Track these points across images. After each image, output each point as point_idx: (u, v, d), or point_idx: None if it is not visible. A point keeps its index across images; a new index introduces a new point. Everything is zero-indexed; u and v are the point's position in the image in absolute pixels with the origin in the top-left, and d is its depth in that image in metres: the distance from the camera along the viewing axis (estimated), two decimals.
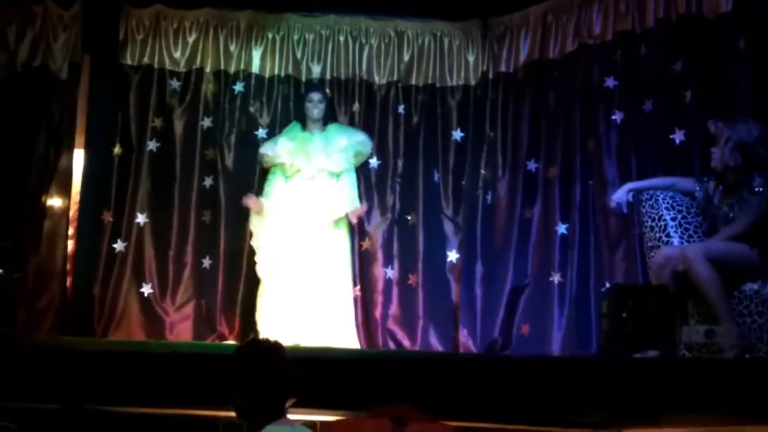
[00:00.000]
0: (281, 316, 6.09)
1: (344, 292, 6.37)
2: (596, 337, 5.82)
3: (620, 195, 5.24)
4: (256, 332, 6.18)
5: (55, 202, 6.58)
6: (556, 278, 6.25)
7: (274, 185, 6.41)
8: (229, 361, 2.98)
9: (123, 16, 6.90)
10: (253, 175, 6.72)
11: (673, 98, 5.71)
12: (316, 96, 6.54)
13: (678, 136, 5.65)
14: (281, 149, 6.42)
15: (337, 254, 6.36)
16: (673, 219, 5.03)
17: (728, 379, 4.08)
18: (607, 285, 5.82)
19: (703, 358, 4.51)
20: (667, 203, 5.07)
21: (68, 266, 6.51)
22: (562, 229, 6.28)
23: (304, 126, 6.57)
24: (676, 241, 4.98)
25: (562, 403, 4.25)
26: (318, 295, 6.17)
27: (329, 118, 6.70)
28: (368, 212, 6.73)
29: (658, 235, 5.04)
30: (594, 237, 6.08)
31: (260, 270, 6.31)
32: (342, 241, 6.43)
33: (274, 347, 3.03)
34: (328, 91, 6.88)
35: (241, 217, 6.64)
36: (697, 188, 5.07)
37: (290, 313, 6.09)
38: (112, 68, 6.83)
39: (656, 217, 5.07)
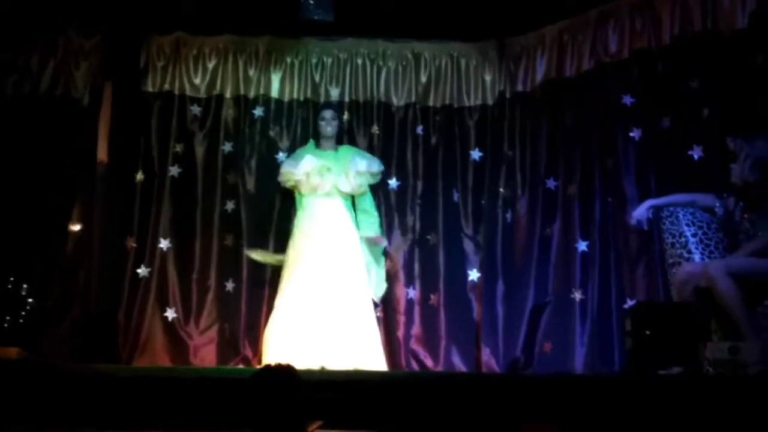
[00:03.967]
0: (298, 339, 6.02)
1: (367, 312, 6.35)
2: (619, 354, 5.82)
3: (640, 212, 5.25)
4: (260, 354, 6.18)
5: (78, 228, 6.62)
6: (577, 296, 6.26)
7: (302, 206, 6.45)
8: (246, 387, 3.02)
9: (144, 43, 6.98)
10: (274, 199, 6.77)
11: (690, 115, 5.72)
12: (328, 113, 6.59)
13: (696, 153, 5.67)
14: (309, 165, 6.44)
15: (356, 274, 6.36)
16: (694, 235, 5.03)
17: (753, 395, 4.07)
18: (629, 302, 5.84)
19: (727, 374, 4.50)
20: (688, 219, 5.08)
21: (92, 292, 6.56)
22: (582, 246, 6.29)
23: (317, 144, 6.62)
24: (697, 257, 4.98)
25: (587, 421, 4.25)
26: (341, 316, 6.15)
27: (343, 137, 6.77)
28: (389, 233, 6.77)
29: (679, 251, 5.05)
30: (614, 254, 6.09)
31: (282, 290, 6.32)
32: (361, 260, 6.44)
33: (287, 372, 3.06)
34: (346, 113, 6.95)
35: (263, 240, 6.70)
36: (718, 204, 5.08)
37: (310, 335, 6.04)
38: (134, 95, 6.90)
39: (677, 234, 5.08)
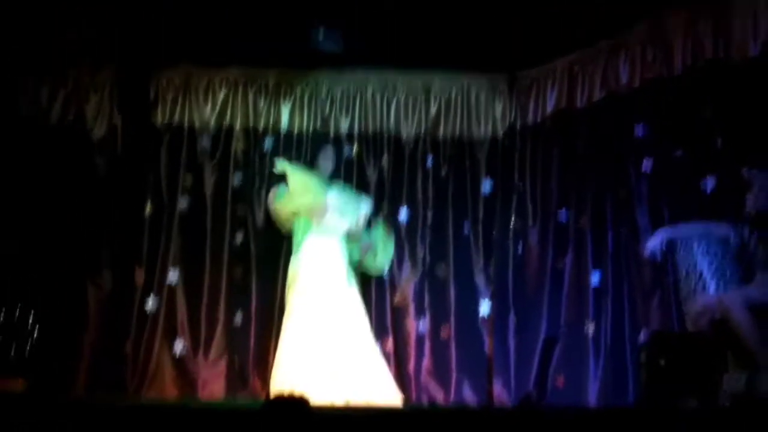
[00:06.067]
0: (307, 375, 5.94)
1: (373, 347, 6.28)
2: (633, 387, 5.74)
3: (654, 243, 5.18)
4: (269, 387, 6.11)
5: (86, 258, 6.61)
6: (590, 328, 6.19)
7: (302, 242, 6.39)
8: (258, 416, 2.97)
9: (153, 76, 6.99)
10: (283, 231, 6.73)
11: (703, 144, 5.66)
12: (330, 151, 6.61)
13: (709, 183, 5.61)
14: (335, 200, 6.42)
15: (354, 308, 6.30)
16: (709, 266, 4.96)
17: None
18: (643, 334, 5.75)
19: (744, 406, 4.42)
20: (702, 250, 5.01)
21: (100, 323, 6.52)
22: (595, 278, 6.23)
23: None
24: (712, 288, 4.91)
25: None
26: (348, 351, 6.08)
27: (353, 169, 6.84)
28: (399, 264, 6.73)
29: (694, 282, 4.98)
30: (627, 286, 6.03)
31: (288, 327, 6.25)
32: (356, 295, 6.37)
33: (299, 401, 3.01)
34: (356, 145, 6.94)
35: (272, 272, 6.66)
36: (732, 234, 5.01)
37: (320, 372, 5.97)
38: (144, 127, 6.90)
39: (691, 265, 5.01)
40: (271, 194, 6.55)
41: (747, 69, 5.45)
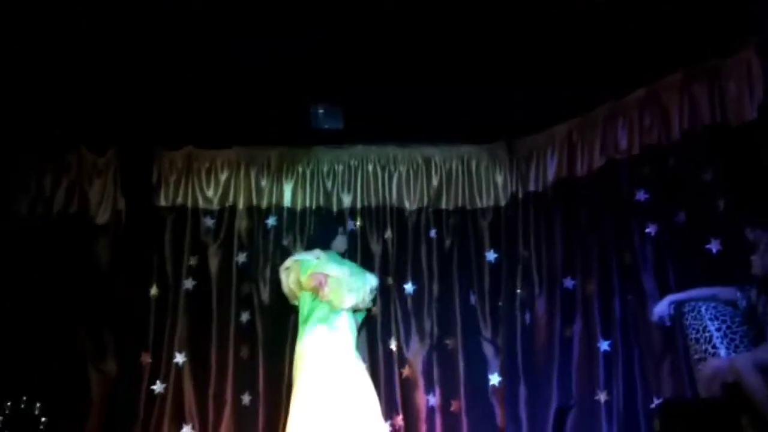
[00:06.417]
0: None
1: (379, 424, 6.20)
2: None
3: (661, 308, 5.15)
4: None
5: (91, 344, 6.59)
6: (602, 397, 6.12)
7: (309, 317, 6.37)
8: None
9: (156, 159, 7.04)
10: (289, 308, 6.70)
11: (706, 207, 5.65)
12: (342, 238, 6.71)
13: (714, 246, 5.59)
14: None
15: (363, 385, 6.24)
16: (718, 329, 4.92)
17: None
18: (655, 401, 5.69)
19: None
20: (711, 314, 4.97)
21: (108, 408, 6.47)
22: (604, 345, 6.18)
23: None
24: (723, 351, 4.86)
25: None
26: (353, 430, 5.99)
27: (357, 243, 6.88)
28: (406, 338, 6.70)
29: (704, 347, 4.93)
30: (638, 352, 5.96)
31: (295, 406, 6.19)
32: (364, 372, 6.34)
33: None
34: (359, 220, 6.96)
35: (279, 350, 6.62)
36: (740, 296, 4.99)
37: None
38: (147, 210, 6.93)
39: (700, 329, 4.98)
40: (292, 264, 6.53)
41: (746, 132, 5.47)
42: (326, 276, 6.36)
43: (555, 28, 5.85)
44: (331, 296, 6.31)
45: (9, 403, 5.16)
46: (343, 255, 6.72)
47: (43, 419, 5.14)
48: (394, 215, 7.04)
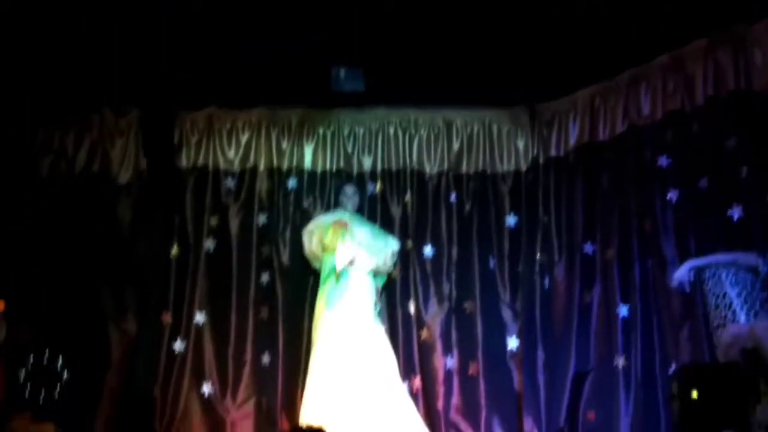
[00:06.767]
0: (334, 416, 5.91)
1: (397, 386, 6.24)
2: (665, 421, 5.67)
3: (681, 274, 5.13)
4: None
5: (114, 302, 6.65)
6: (620, 362, 6.12)
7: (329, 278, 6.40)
8: None
9: (177, 120, 7.05)
10: (309, 270, 6.73)
11: (728, 174, 5.61)
12: (350, 189, 6.66)
13: (736, 212, 5.55)
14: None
15: (381, 347, 6.28)
16: (738, 295, 4.91)
17: None
18: (673, 366, 5.69)
19: None
20: (731, 280, 4.95)
21: (128, 367, 6.54)
22: (623, 311, 6.17)
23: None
24: (742, 317, 4.84)
25: None
26: (372, 392, 6.04)
27: (377, 206, 6.90)
28: (425, 301, 6.71)
29: (723, 312, 4.92)
30: (657, 318, 5.96)
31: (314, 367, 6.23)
32: (383, 334, 6.36)
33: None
34: (379, 183, 6.95)
35: (299, 311, 6.66)
36: (761, 262, 4.96)
37: (346, 413, 5.94)
38: (168, 171, 6.95)
39: (720, 295, 4.96)
40: (315, 226, 6.55)
41: None
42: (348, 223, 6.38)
43: None
44: (352, 256, 6.33)
45: (32, 357, 5.22)
46: (357, 215, 6.70)
47: (64, 375, 5.21)
48: (414, 179, 7.03)
